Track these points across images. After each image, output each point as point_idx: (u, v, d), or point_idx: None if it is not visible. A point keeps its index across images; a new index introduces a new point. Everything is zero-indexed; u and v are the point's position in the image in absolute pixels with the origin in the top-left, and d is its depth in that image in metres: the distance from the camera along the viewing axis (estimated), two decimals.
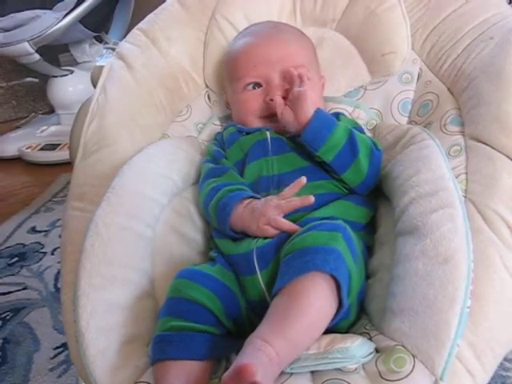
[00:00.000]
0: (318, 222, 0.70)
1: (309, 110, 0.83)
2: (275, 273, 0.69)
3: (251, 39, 0.97)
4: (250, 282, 0.73)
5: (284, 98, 0.89)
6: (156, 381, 0.64)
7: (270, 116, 0.91)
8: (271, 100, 0.90)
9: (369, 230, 0.83)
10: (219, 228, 0.81)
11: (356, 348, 0.62)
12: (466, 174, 0.76)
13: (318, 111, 0.83)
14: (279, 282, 0.65)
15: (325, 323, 0.63)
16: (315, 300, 0.62)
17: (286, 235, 0.73)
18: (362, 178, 0.82)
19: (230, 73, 0.97)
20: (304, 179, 0.76)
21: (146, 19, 1.08)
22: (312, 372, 0.64)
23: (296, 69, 0.90)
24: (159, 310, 0.71)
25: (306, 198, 0.74)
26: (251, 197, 0.80)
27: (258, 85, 0.93)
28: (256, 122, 0.93)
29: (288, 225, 0.74)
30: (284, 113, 0.86)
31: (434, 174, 0.73)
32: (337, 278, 0.62)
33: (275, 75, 0.92)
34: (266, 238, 0.75)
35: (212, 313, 0.68)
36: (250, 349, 0.58)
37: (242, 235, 0.78)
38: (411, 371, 0.60)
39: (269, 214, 0.75)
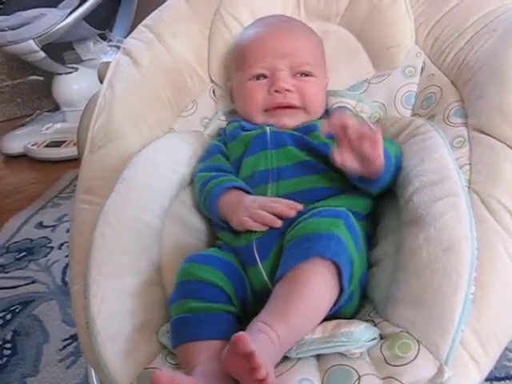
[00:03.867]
0: (321, 208, 0.71)
1: (382, 158, 0.73)
2: (277, 263, 0.70)
3: (263, 30, 0.99)
4: (252, 272, 0.74)
5: (288, 90, 0.91)
6: (186, 362, 0.65)
7: (274, 109, 0.92)
8: (276, 91, 0.91)
9: (369, 220, 0.84)
10: (212, 218, 0.84)
11: (361, 332, 0.63)
12: (470, 164, 0.77)
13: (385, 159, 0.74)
14: (281, 268, 0.66)
15: (326, 308, 0.64)
16: (316, 285, 0.63)
17: (285, 226, 0.74)
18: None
19: (239, 61, 0.98)
20: (300, 207, 0.76)
21: (151, 16, 1.09)
22: (318, 358, 0.65)
23: (302, 65, 0.93)
24: (169, 296, 0.72)
25: (293, 205, 0.75)
26: (240, 188, 0.82)
27: (263, 76, 0.94)
28: (259, 116, 0.94)
29: (269, 218, 0.74)
30: (344, 161, 0.73)
31: (437, 163, 0.74)
32: (338, 264, 0.63)
33: (282, 68, 0.93)
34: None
35: (226, 292, 0.70)
36: (251, 330, 0.60)
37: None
38: (416, 356, 0.61)
39: (249, 206, 0.76)
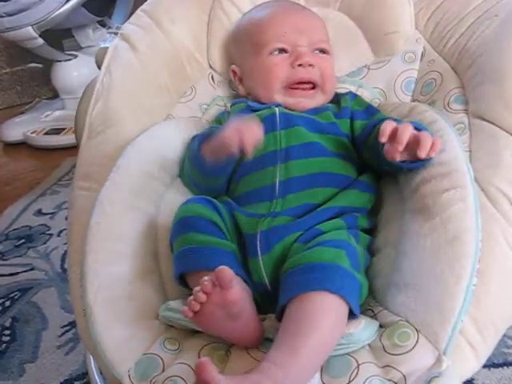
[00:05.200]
0: (327, 237, 0.70)
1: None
2: (276, 259, 0.72)
3: (276, 9, 0.99)
4: (252, 263, 0.74)
5: (311, 65, 0.91)
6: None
7: (295, 84, 0.92)
8: (299, 65, 0.91)
9: (373, 213, 0.83)
10: (198, 168, 0.84)
11: (360, 332, 0.63)
12: (470, 151, 0.77)
13: None
14: (285, 294, 0.65)
15: (337, 338, 0.62)
16: (325, 321, 0.61)
17: (295, 223, 0.75)
18: None
19: (254, 39, 0.96)
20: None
21: (149, 1, 1.08)
22: None
23: (319, 42, 0.94)
24: (171, 232, 0.76)
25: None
26: None
27: (284, 51, 0.93)
28: (278, 94, 0.92)
29: (238, 139, 0.73)
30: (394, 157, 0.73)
31: (447, 155, 0.73)
32: (345, 298, 0.62)
33: (303, 43, 0.93)
34: (272, 218, 0.76)
35: (225, 234, 0.74)
36: (257, 371, 0.58)
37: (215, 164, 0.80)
38: (415, 345, 0.61)
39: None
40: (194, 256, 0.70)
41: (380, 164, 0.80)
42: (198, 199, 0.78)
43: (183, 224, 0.74)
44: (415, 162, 0.73)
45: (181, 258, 0.72)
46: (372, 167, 0.85)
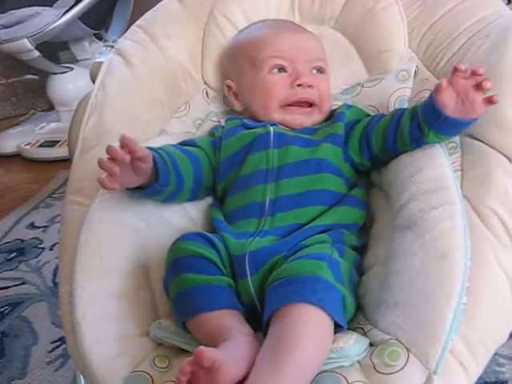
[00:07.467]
0: (309, 251, 0.70)
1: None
2: (264, 279, 0.71)
3: (276, 28, 1.00)
4: (241, 284, 0.74)
5: (310, 86, 0.92)
6: (206, 333, 0.67)
7: (291, 106, 0.92)
8: (298, 85, 0.91)
9: (365, 229, 0.84)
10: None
11: (350, 347, 0.63)
12: (462, 170, 0.77)
13: None
14: (267, 309, 0.65)
15: (323, 352, 0.62)
16: (308, 335, 0.60)
17: (282, 242, 0.75)
18: None
19: (252, 55, 0.96)
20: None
21: (144, 16, 1.09)
22: None
23: (317, 61, 0.95)
24: (165, 275, 0.74)
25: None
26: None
27: (283, 69, 0.94)
28: (274, 112, 0.93)
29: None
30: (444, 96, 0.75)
31: (436, 172, 0.74)
32: (326, 309, 0.62)
33: (301, 60, 0.93)
34: (261, 238, 0.76)
35: (221, 269, 0.73)
36: None
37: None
38: (405, 365, 0.61)
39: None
40: (188, 301, 0.69)
41: (411, 128, 0.79)
42: (190, 236, 0.77)
43: (175, 266, 0.73)
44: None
45: (177, 304, 0.71)
46: (376, 162, 0.86)
